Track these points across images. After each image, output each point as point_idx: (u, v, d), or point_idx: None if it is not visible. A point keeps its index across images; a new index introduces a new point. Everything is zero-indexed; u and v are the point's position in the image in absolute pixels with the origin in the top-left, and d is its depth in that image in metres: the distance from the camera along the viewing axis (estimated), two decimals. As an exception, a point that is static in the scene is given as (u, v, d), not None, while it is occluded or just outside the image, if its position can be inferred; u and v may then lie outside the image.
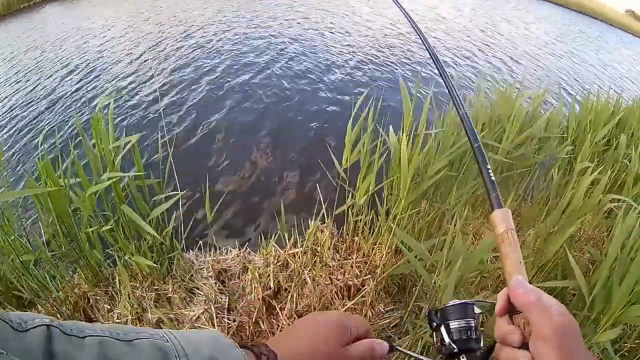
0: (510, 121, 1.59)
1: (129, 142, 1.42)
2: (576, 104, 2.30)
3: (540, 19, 14.66)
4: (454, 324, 0.49)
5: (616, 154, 2.01)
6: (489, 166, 0.58)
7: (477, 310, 0.50)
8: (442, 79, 0.76)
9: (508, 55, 7.73)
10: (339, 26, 7.43)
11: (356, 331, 0.45)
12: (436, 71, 0.80)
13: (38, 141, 3.15)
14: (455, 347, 0.48)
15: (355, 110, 1.61)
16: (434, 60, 0.83)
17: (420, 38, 0.91)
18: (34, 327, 0.36)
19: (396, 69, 5.32)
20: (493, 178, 0.57)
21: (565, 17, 17.96)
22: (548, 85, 6.03)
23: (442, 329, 0.49)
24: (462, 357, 0.47)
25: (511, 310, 0.46)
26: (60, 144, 3.00)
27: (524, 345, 0.42)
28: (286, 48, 5.56)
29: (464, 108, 0.67)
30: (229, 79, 4.32)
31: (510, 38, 9.47)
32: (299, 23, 7.25)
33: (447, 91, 0.72)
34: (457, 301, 0.50)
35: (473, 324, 0.49)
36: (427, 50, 0.86)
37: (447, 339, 0.49)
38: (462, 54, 6.96)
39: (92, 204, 1.53)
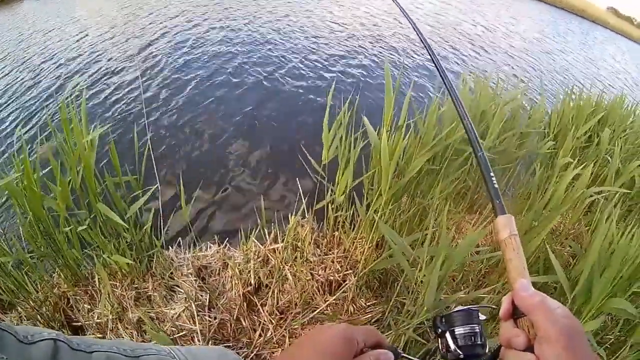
0: (493, 118, 1.60)
1: (103, 135, 1.39)
2: (559, 100, 2.31)
3: (523, 15, 14.77)
4: (459, 330, 0.50)
5: (597, 150, 2.02)
6: (492, 174, 0.60)
7: (481, 316, 0.51)
8: (445, 86, 0.77)
9: (491, 50, 7.79)
10: (322, 16, 7.43)
11: (364, 342, 0.45)
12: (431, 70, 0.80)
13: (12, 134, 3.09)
14: (460, 352, 0.49)
15: (330, 104, 1.59)
16: (432, 60, 0.84)
17: (421, 39, 0.91)
18: (41, 341, 0.37)
19: (379, 60, 5.32)
20: (497, 185, 0.59)
21: (549, 14, 18.12)
22: (530, 80, 6.10)
23: (448, 335, 0.51)
24: None
25: (515, 313, 0.47)
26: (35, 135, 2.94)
27: (529, 348, 0.43)
28: (266, 40, 5.51)
29: (467, 118, 0.68)
30: (211, 72, 4.27)
31: (493, 33, 9.54)
32: (280, 14, 7.22)
33: (446, 90, 0.73)
34: (461, 307, 0.51)
35: (478, 330, 0.50)
36: (427, 50, 0.87)
37: (452, 345, 0.50)
38: (447, 46, 7.00)
39: (66, 202, 1.50)
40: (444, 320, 0.52)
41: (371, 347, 0.46)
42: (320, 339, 0.43)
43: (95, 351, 0.38)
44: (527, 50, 8.77)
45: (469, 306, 0.51)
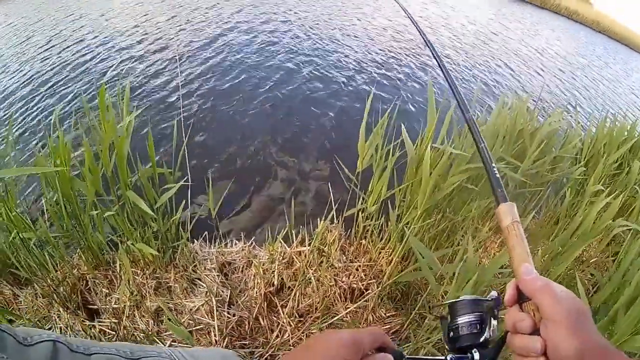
0: (531, 140, 1.58)
1: (140, 126, 1.37)
2: (594, 125, 2.30)
3: (558, 35, 14.59)
4: (464, 319, 0.49)
5: (627, 179, 2.01)
6: (494, 164, 0.62)
7: (492, 294, 0.51)
8: (447, 82, 0.81)
9: (527, 69, 7.68)
10: (361, 27, 7.32)
11: (369, 345, 0.44)
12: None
13: (49, 119, 3.07)
14: (466, 341, 0.48)
15: (367, 112, 1.57)
16: (435, 58, 0.88)
17: (423, 38, 0.92)
18: (40, 342, 0.36)
19: (417, 73, 5.27)
20: (498, 175, 0.61)
21: (587, 36, 17.85)
22: (570, 103, 6.05)
23: (453, 323, 0.50)
24: (474, 352, 0.48)
25: (520, 298, 0.47)
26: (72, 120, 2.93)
27: (535, 332, 0.43)
28: (305, 45, 5.47)
29: (469, 112, 0.73)
30: (250, 71, 4.24)
31: (529, 51, 9.40)
32: (320, 23, 7.13)
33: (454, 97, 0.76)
34: (467, 297, 0.51)
35: (484, 318, 0.49)
36: (428, 46, 0.89)
37: (457, 333, 0.49)
38: (479, 64, 6.90)
39: (96, 187, 1.48)
40: (449, 309, 0.52)
41: (376, 350, 0.46)
42: (327, 344, 0.43)
43: (94, 353, 0.38)
44: (572, 74, 8.64)
45: (475, 296, 0.51)
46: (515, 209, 0.53)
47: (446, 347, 0.52)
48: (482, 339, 0.48)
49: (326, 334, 0.45)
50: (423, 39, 0.94)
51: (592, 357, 0.37)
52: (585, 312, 0.41)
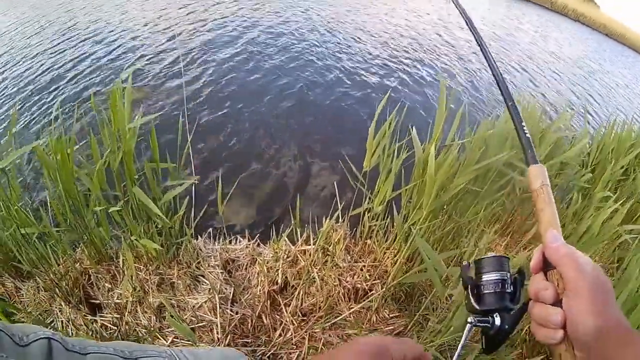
0: (540, 145, 1.57)
1: (147, 122, 1.36)
2: (602, 130, 2.29)
3: (566, 37, 14.51)
4: (487, 277, 0.48)
5: (633, 186, 2.00)
6: (524, 124, 0.59)
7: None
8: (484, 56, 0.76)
9: (535, 71, 7.65)
10: (375, 23, 7.28)
11: (401, 356, 0.42)
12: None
13: (50, 111, 3.06)
14: (489, 302, 0.47)
15: (379, 112, 1.56)
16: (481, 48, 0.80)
17: (468, 25, 0.88)
18: (35, 341, 0.36)
19: (431, 73, 5.25)
20: (528, 135, 0.58)
21: (597, 39, 17.74)
22: (576, 106, 6.02)
23: (476, 282, 0.48)
24: (496, 316, 0.46)
25: (546, 266, 0.45)
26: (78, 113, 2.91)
27: (558, 302, 0.41)
28: (318, 39, 5.45)
29: (498, 68, 0.71)
30: (258, 67, 4.22)
31: (540, 54, 9.36)
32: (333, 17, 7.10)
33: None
34: (492, 254, 0.49)
35: (507, 278, 0.47)
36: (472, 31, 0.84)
37: (481, 291, 0.48)
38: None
39: (100, 182, 1.47)
40: (472, 267, 0.50)
41: None
42: (347, 354, 0.41)
43: (90, 353, 0.38)
44: (584, 79, 8.60)
45: (500, 254, 0.49)
46: (545, 172, 0.52)
47: (468, 309, 0.50)
48: (505, 304, 0.46)
49: (352, 342, 0.43)
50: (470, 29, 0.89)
51: (612, 337, 0.36)
52: (608, 288, 0.39)
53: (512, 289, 0.47)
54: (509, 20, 13.26)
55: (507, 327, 0.46)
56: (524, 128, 0.58)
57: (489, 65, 0.73)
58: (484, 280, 0.47)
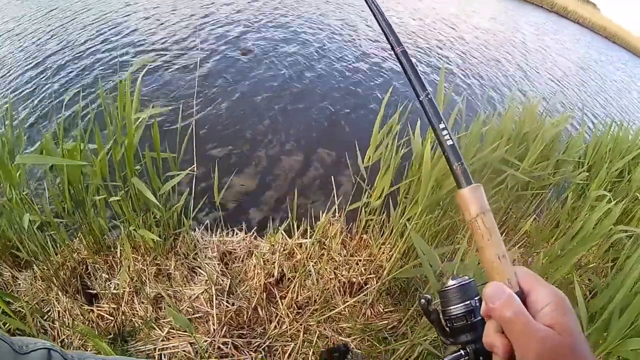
0: (534, 142, 1.59)
1: (154, 113, 1.37)
2: (599, 131, 2.30)
3: (566, 39, 14.54)
4: (455, 310, 0.42)
5: (628, 187, 2.02)
6: (442, 125, 0.42)
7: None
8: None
9: (536, 73, 7.67)
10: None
11: None
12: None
13: (55, 101, 3.06)
14: (461, 339, 0.42)
15: (383, 108, 1.58)
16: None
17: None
18: (34, 351, 0.37)
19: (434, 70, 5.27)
20: (451, 142, 0.41)
21: (595, 41, 17.77)
22: (573, 106, 6.04)
23: (444, 317, 0.43)
24: (470, 347, 0.41)
25: None
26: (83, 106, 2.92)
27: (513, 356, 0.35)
28: (321, 38, 5.47)
29: (401, 45, 0.50)
30: (267, 62, 4.24)
31: (541, 55, 9.37)
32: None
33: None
34: (454, 282, 0.42)
35: (475, 305, 0.41)
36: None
37: (452, 327, 0.42)
38: (493, 66, 6.89)
39: (103, 172, 1.48)
40: (435, 300, 0.44)
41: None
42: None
43: None
44: (582, 81, 8.60)
45: (460, 278, 0.42)
46: (482, 194, 0.39)
47: (443, 343, 0.44)
48: (479, 334, 0.40)
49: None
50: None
51: None
52: (569, 346, 0.32)
53: (481, 316, 0.41)
54: (509, 21, 13.29)
55: (485, 353, 0.41)
56: (444, 131, 0.42)
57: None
58: (453, 314, 0.42)
